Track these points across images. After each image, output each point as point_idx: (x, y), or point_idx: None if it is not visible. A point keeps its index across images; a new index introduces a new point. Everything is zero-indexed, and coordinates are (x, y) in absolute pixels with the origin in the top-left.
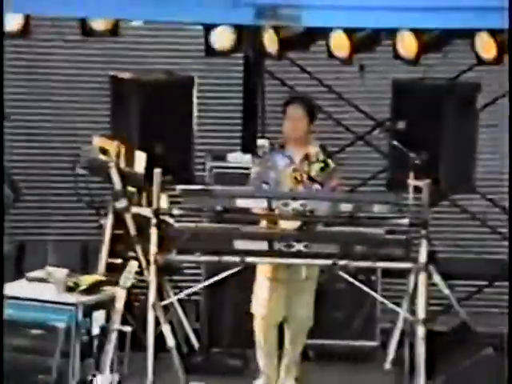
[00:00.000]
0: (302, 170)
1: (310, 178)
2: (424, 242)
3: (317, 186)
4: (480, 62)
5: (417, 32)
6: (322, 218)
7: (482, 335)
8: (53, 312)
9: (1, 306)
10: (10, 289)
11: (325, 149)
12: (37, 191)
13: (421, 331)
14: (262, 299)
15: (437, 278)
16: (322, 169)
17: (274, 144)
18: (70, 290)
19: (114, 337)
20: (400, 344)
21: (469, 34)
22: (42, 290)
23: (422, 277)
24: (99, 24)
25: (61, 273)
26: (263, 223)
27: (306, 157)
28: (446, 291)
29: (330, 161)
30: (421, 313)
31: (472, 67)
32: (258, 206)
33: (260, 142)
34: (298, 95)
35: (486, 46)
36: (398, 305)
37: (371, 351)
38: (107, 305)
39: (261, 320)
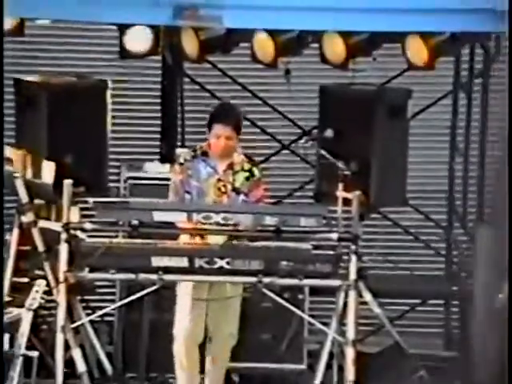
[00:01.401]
0: (227, 181)
1: (235, 189)
2: (354, 258)
3: (242, 197)
4: (411, 67)
5: (344, 35)
6: (245, 233)
7: (414, 357)
8: None
9: (1, 307)
10: None
11: (250, 158)
12: None
13: (350, 353)
14: (183, 319)
15: (367, 296)
16: (247, 178)
17: (197, 151)
18: None
19: (19, 362)
20: (328, 367)
21: (399, 38)
22: None
23: (352, 295)
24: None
25: None
26: (186, 238)
27: (230, 166)
28: (377, 310)
29: (255, 170)
30: (350, 333)
31: (402, 72)
32: (176, 219)
33: (179, 150)
34: (225, 108)
35: (417, 51)
36: (327, 325)
37: (298, 374)
38: (11, 328)
39: (183, 341)
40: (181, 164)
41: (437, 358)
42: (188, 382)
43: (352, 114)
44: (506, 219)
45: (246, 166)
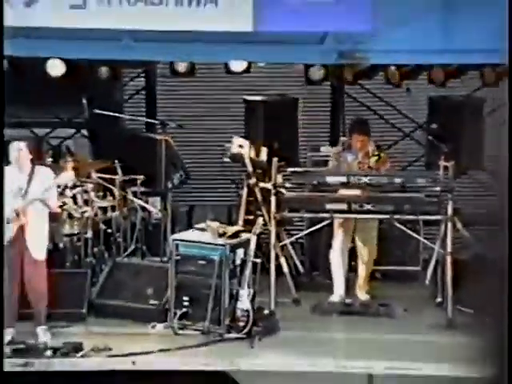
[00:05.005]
0: (364, 162)
1: (369, 167)
2: (450, 202)
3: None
4: (484, 85)
5: (445, 66)
6: (383, 188)
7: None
8: (211, 250)
9: (1, 307)
10: (185, 235)
11: (378, 146)
12: (200, 173)
13: (449, 260)
14: (337, 237)
15: (459, 225)
16: (376, 160)
17: (345, 145)
18: (221, 235)
19: (249, 265)
20: (435, 269)
21: (476, 68)
22: (204, 235)
23: (449, 225)
24: (182, 66)
25: (215, 225)
26: (344, 191)
27: (366, 153)
28: (465, 233)
29: (382, 154)
30: (449, 248)
31: (479, 88)
32: (339, 180)
33: (333, 148)
34: (359, 121)
35: (489, 76)
36: (434, 243)
37: (416, 273)
38: (245, 245)
39: (338, 250)
40: (336, 154)
41: None
42: (339, 276)
43: (448, 113)
44: None
45: (376, 152)
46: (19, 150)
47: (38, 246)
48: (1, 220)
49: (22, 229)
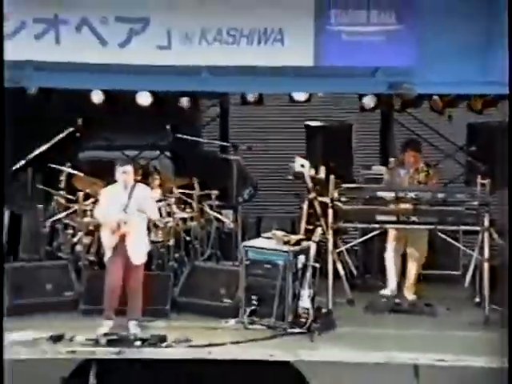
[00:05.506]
0: (415, 177)
1: (419, 182)
2: (487, 215)
3: (422, 186)
4: None
5: (482, 96)
6: (428, 201)
7: None
8: (276, 255)
9: (1, 306)
10: (254, 242)
11: (428, 164)
12: (266, 189)
13: (486, 265)
14: (390, 244)
15: (495, 235)
16: (426, 176)
17: (397, 161)
18: (285, 243)
19: (310, 269)
20: (473, 273)
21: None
22: (270, 243)
23: (486, 234)
24: (251, 97)
25: (280, 233)
26: (391, 206)
27: (417, 169)
28: (500, 241)
29: (430, 170)
30: (486, 255)
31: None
32: (389, 195)
33: (389, 164)
34: (412, 141)
35: None
36: (472, 250)
37: (457, 277)
38: (305, 251)
39: (392, 252)
40: (390, 169)
41: None
42: (394, 278)
43: (485, 138)
44: None
45: (425, 168)
46: (127, 172)
47: (137, 253)
48: (1, 220)
49: (123, 237)
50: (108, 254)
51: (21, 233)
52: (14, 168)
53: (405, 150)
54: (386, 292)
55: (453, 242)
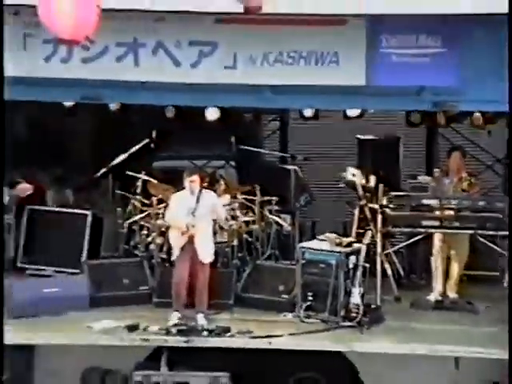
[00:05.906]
0: (458, 186)
1: (462, 190)
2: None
3: (465, 194)
4: None
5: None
6: (469, 208)
7: None
8: (329, 256)
9: (1, 307)
10: (309, 243)
11: (470, 173)
12: (321, 196)
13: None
14: (436, 246)
15: None
16: (468, 185)
17: (442, 171)
18: (338, 245)
19: (360, 269)
20: (510, 274)
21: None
22: (324, 244)
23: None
24: (308, 112)
25: (333, 236)
26: (436, 212)
27: (460, 179)
28: None
29: (473, 179)
30: None
31: None
32: (433, 203)
33: (427, 177)
34: (454, 148)
35: None
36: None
37: (496, 277)
38: (356, 253)
39: (436, 253)
40: (435, 178)
41: None
42: (439, 279)
43: None
44: None
45: (468, 178)
46: (194, 181)
47: (205, 252)
48: (1, 219)
49: (191, 238)
50: (176, 252)
51: (102, 233)
52: (96, 175)
53: (450, 155)
54: (430, 297)
55: (492, 245)
